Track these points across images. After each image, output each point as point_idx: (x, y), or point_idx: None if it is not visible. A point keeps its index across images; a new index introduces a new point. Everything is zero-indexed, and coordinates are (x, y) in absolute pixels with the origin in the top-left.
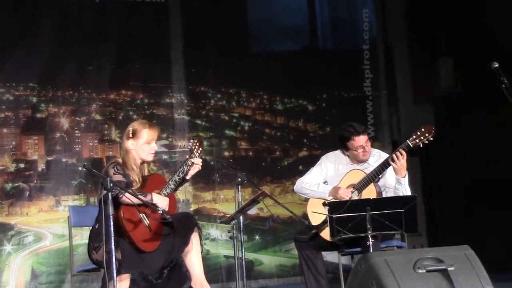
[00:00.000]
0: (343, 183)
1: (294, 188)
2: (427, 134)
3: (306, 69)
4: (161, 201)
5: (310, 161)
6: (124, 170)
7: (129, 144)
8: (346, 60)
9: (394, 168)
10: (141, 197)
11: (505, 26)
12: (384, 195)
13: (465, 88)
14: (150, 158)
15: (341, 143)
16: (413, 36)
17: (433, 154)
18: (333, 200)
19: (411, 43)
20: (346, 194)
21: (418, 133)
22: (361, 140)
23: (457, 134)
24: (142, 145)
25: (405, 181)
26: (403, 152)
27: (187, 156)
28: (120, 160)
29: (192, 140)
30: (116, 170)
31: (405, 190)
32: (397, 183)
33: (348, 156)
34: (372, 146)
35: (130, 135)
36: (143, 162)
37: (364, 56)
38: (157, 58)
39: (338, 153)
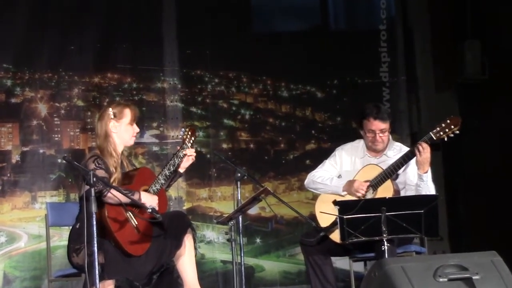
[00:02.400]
0: (358, 178)
1: (305, 182)
2: (452, 127)
3: (315, 51)
4: (150, 201)
5: (319, 155)
6: (106, 164)
7: (111, 126)
8: (360, 42)
9: (417, 161)
10: (128, 194)
11: None
12: (404, 194)
13: (493, 75)
14: (132, 141)
15: (359, 120)
16: (436, 15)
17: (457, 149)
18: (347, 195)
19: (434, 24)
20: (361, 188)
21: (443, 125)
22: (374, 124)
23: (484, 126)
24: (126, 125)
25: (428, 177)
26: (426, 146)
27: (179, 147)
28: (99, 152)
29: (183, 129)
30: (97, 164)
31: (428, 187)
32: (418, 179)
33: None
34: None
35: (112, 117)
36: (123, 152)
37: (381, 38)
38: (148, 37)
39: (355, 144)
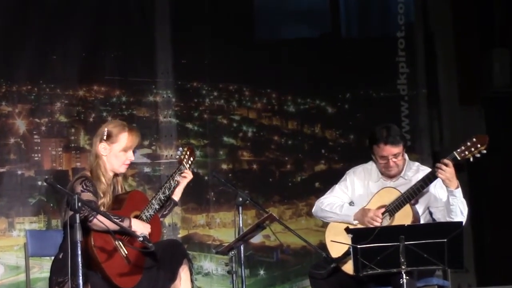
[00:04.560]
0: (373, 204)
1: (313, 210)
2: (479, 146)
3: (325, 61)
4: (141, 228)
5: (329, 177)
6: (95, 187)
7: (101, 148)
8: (375, 51)
9: (443, 180)
10: (117, 221)
11: None
12: (425, 219)
13: None
14: (123, 169)
15: (369, 144)
16: (460, 21)
17: (484, 170)
18: (358, 225)
19: (458, 30)
20: (375, 219)
21: (469, 143)
22: (386, 150)
23: None
24: (118, 152)
25: (460, 193)
26: (447, 161)
27: (176, 169)
28: (89, 173)
29: (181, 148)
30: (85, 186)
31: (462, 203)
32: (450, 196)
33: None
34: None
35: (104, 137)
36: (115, 174)
37: (399, 46)
38: (139, 45)
39: (368, 166)
